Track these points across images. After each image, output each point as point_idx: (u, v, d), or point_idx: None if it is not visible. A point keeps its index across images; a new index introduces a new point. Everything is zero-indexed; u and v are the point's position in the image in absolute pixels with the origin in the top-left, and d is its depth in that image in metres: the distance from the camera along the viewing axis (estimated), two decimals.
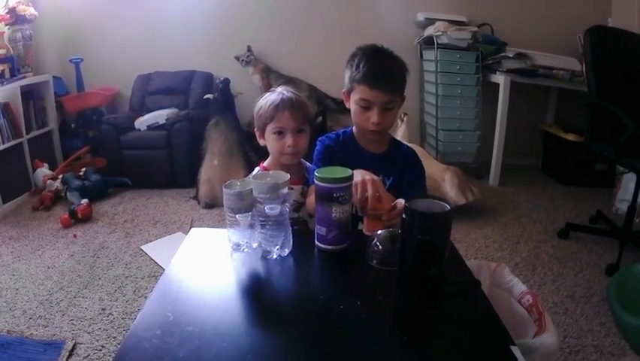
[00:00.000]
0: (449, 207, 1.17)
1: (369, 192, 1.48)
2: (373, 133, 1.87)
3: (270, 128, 1.83)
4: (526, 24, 5.02)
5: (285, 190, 1.33)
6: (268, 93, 1.89)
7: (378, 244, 1.35)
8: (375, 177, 1.55)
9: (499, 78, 4.51)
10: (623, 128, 3.01)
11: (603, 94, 3.27)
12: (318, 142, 1.98)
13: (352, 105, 1.88)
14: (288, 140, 1.81)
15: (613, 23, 4.72)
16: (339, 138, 2.00)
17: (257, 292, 1.30)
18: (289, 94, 1.86)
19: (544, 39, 4.91)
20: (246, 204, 1.33)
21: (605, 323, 2.63)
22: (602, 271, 3.14)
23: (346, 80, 1.90)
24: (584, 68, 3.98)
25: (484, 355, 1.02)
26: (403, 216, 1.19)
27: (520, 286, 1.57)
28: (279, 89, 1.90)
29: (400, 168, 1.96)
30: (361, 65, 1.81)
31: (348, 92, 1.90)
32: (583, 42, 3.47)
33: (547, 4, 5.02)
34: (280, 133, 1.82)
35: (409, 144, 2.29)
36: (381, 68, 1.80)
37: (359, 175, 1.53)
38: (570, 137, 4.59)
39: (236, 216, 1.34)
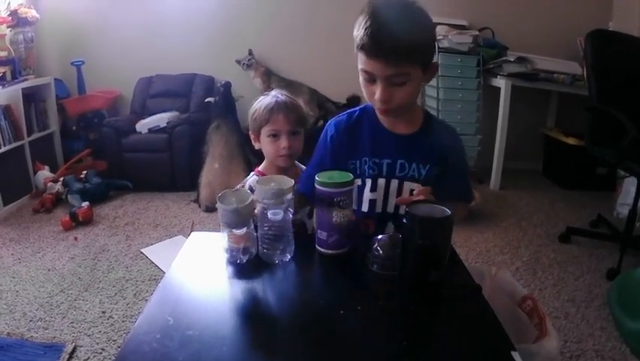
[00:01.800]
0: (450, 212, 1.17)
1: None
2: (384, 112, 1.56)
3: (265, 131, 1.82)
4: (527, 28, 5.02)
5: (290, 196, 1.32)
6: (263, 97, 1.88)
7: (378, 248, 1.33)
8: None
9: (500, 82, 4.51)
10: (624, 132, 3.01)
11: (604, 98, 3.28)
12: (325, 132, 1.73)
13: (359, 74, 1.54)
14: (283, 142, 1.80)
15: (614, 27, 4.73)
16: (354, 121, 1.70)
17: (257, 296, 1.29)
18: (283, 97, 1.85)
19: (545, 43, 4.90)
20: (243, 219, 1.32)
21: (606, 327, 2.63)
22: (602, 276, 3.14)
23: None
24: (584, 72, 3.98)
25: (484, 360, 1.01)
26: (404, 220, 1.19)
27: (520, 291, 1.56)
28: (274, 92, 1.88)
29: (438, 154, 1.61)
30: (362, 24, 1.42)
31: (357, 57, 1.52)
32: (584, 46, 3.47)
33: (548, 8, 5.02)
34: (275, 136, 1.81)
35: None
36: (385, 32, 1.37)
37: None
38: (571, 141, 4.58)
39: (233, 230, 1.33)
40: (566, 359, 2.37)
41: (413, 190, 1.58)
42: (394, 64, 1.40)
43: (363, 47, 1.42)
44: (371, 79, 1.47)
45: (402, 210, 1.52)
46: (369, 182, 1.64)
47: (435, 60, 1.56)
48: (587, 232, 3.74)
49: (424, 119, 1.67)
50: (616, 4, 4.90)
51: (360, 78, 1.53)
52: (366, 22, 1.40)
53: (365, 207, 1.66)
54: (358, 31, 1.43)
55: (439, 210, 1.18)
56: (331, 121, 1.74)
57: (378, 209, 1.66)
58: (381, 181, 1.63)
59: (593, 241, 3.60)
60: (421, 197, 1.32)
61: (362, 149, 1.65)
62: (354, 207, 1.59)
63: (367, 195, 1.65)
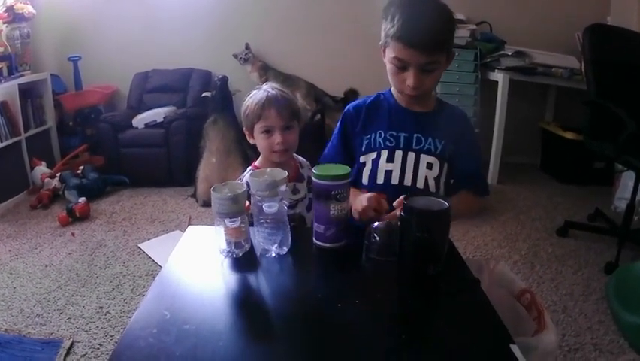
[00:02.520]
0: (447, 205, 1.16)
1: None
2: (410, 96, 1.67)
3: (258, 127, 1.80)
4: (525, 22, 5.01)
5: (284, 187, 1.32)
6: (254, 91, 1.85)
7: (375, 235, 1.34)
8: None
9: (498, 76, 4.51)
10: (622, 127, 3.01)
11: (602, 92, 3.28)
12: (343, 115, 1.86)
13: (387, 63, 1.66)
14: (277, 137, 1.77)
15: (612, 21, 4.72)
16: (372, 100, 1.83)
17: (254, 290, 1.29)
18: (274, 91, 1.81)
19: (543, 37, 4.90)
20: (236, 209, 1.31)
21: (604, 321, 2.63)
22: (600, 269, 3.14)
23: (381, 33, 1.64)
24: (582, 66, 3.97)
25: (483, 354, 1.01)
26: (402, 213, 1.18)
27: (519, 284, 1.56)
28: (265, 86, 1.85)
29: (452, 133, 1.73)
30: (396, 18, 1.54)
31: (384, 48, 1.66)
32: (582, 40, 3.46)
33: (545, 1, 5.01)
34: (268, 131, 1.79)
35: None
36: (419, 22, 1.53)
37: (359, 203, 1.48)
38: (569, 135, 4.58)
39: (225, 221, 1.32)
40: (564, 353, 2.37)
41: (431, 164, 1.70)
42: (429, 52, 1.54)
43: (400, 37, 1.53)
44: (402, 67, 1.59)
45: (420, 184, 1.69)
46: (385, 153, 1.73)
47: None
48: (585, 226, 3.74)
49: (436, 102, 1.82)
50: None
51: (389, 66, 1.64)
52: (402, 15, 1.53)
53: (380, 179, 1.72)
54: (392, 23, 1.55)
55: (436, 203, 1.17)
56: (348, 105, 1.87)
57: (395, 181, 1.71)
58: (399, 153, 1.72)
59: (591, 235, 3.60)
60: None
61: (379, 123, 1.75)
62: (365, 182, 1.73)
63: (383, 165, 1.72)
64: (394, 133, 1.72)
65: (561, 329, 2.54)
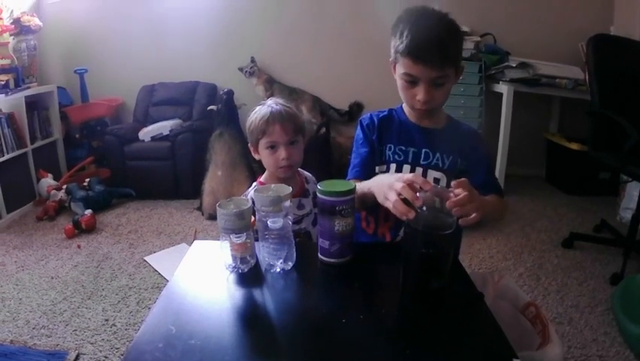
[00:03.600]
0: (454, 218, 1.16)
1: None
2: (421, 111, 1.67)
3: (263, 142, 1.80)
4: (529, 33, 5.01)
5: (288, 203, 1.32)
6: (259, 107, 1.85)
7: (423, 207, 1.23)
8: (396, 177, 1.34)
9: (503, 88, 4.50)
10: (626, 137, 3.01)
11: (606, 102, 3.28)
12: (359, 124, 1.85)
13: (397, 79, 1.65)
14: (282, 153, 1.77)
15: (615, 32, 4.73)
16: (385, 114, 1.82)
17: (260, 305, 1.29)
18: (279, 106, 1.81)
19: (547, 48, 4.90)
20: (242, 224, 1.31)
21: (610, 332, 2.62)
22: (606, 281, 3.13)
23: (391, 49, 1.65)
24: (586, 77, 3.97)
25: None
26: (406, 227, 1.19)
27: (523, 297, 1.56)
28: (269, 101, 1.85)
29: (461, 149, 1.73)
30: (405, 34, 1.54)
31: (394, 64, 1.66)
32: (585, 51, 3.47)
33: (549, 13, 5.01)
34: (273, 147, 1.79)
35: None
36: (428, 38, 1.52)
37: (381, 195, 1.35)
38: (574, 146, 4.58)
39: (231, 236, 1.33)
40: None
41: (438, 179, 1.70)
42: (439, 67, 1.54)
43: (409, 53, 1.54)
44: (413, 82, 1.59)
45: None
46: (393, 167, 1.73)
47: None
48: (591, 237, 3.72)
49: (447, 119, 1.82)
50: (617, 9, 4.91)
51: (400, 82, 1.64)
52: (410, 31, 1.54)
53: None
54: (401, 40, 1.56)
55: (444, 217, 1.17)
56: (363, 116, 1.86)
57: None
58: (407, 167, 1.72)
59: (596, 246, 3.59)
60: (461, 190, 1.25)
61: (389, 137, 1.76)
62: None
63: None
64: (403, 148, 1.73)
65: (567, 341, 2.53)
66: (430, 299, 1.19)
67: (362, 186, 1.54)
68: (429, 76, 1.55)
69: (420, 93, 1.58)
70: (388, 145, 1.75)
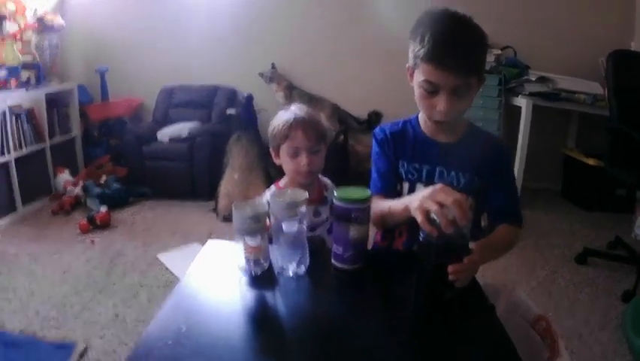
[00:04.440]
0: (468, 230, 1.16)
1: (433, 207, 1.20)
2: (439, 123, 1.57)
3: (285, 148, 1.77)
4: (549, 47, 4.99)
5: (304, 208, 1.33)
6: (282, 112, 1.82)
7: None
8: (439, 187, 1.26)
9: (522, 102, 4.48)
10: None
11: (625, 118, 3.26)
12: (373, 138, 1.76)
13: (415, 87, 1.53)
14: (303, 159, 1.74)
15: (636, 47, 4.71)
16: (399, 127, 1.73)
17: (271, 308, 1.30)
18: (302, 113, 1.78)
19: (567, 63, 4.88)
20: (257, 227, 1.31)
21: (619, 350, 2.61)
22: (618, 298, 3.11)
23: (409, 54, 1.52)
24: (606, 93, 3.95)
25: None
26: (420, 237, 1.19)
27: (534, 311, 1.55)
28: (293, 107, 1.83)
29: (478, 163, 1.61)
30: (427, 38, 1.42)
31: (412, 70, 1.54)
32: (605, 66, 3.45)
33: (569, 27, 4.99)
34: (295, 153, 1.76)
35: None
36: (452, 44, 1.40)
37: (415, 200, 1.26)
38: (591, 161, 4.55)
39: (245, 238, 1.33)
40: None
41: None
42: (463, 75, 1.42)
43: (431, 59, 1.42)
44: (433, 90, 1.47)
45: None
46: (406, 185, 1.67)
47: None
48: (604, 254, 3.69)
49: (466, 129, 1.69)
50: (638, 25, 4.87)
51: (418, 91, 1.51)
52: (433, 35, 1.41)
53: None
54: (422, 44, 1.43)
55: (457, 230, 1.16)
56: (376, 129, 1.78)
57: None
58: (420, 186, 1.64)
59: (609, 263, 3.56)
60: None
61: (402, 153, 1.69)
62: None
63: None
64: (417, 165, 1.66)
65: (576, 357, 2.52)
66: (442, 310, 1.19)
67: (393, 203, 1.49)
68: (451, 84, 1.43)
69: (440, 103, 1.46)
70: (402, 162, 1.69)
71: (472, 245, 1.25)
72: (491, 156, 1.65)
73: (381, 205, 1.54)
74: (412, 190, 1.64)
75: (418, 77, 1.49)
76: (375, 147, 1.76)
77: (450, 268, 1.16)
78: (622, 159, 3.33)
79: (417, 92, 1.53)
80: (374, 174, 1.74)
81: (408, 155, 1.68)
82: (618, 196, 4.60)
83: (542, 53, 4.96)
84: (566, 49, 4.96)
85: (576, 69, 4.77)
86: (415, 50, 1.47)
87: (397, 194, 1.66)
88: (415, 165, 1.67)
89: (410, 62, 1.53)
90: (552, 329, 1.46)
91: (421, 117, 1.70)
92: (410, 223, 1.58)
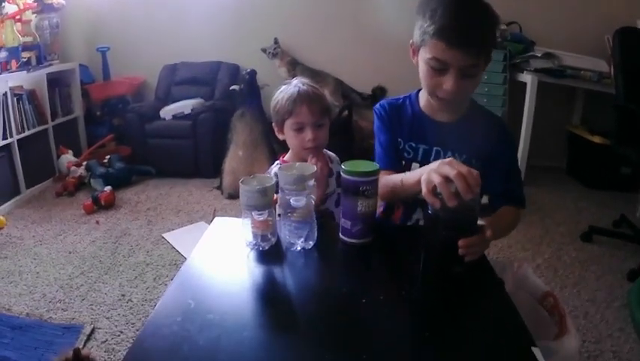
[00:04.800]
0: (475, 202, 1.15)
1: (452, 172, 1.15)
2: (443, 102, 1.51)
3: (289, 123, 1.76)
4: (555, 23, 4.95)
5: (311, 182, 1.32)
6: (284, 86, 1.80)
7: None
8: (452, 159, 1.22)
9: (527, 78, 4.46)
10: None
11: (631, 97, 3.25)
12: (374, 113, 1.74)
13: (421, 63, 1.48)
14: (308, 134, 1.73)
15: None
16: (399, 103, 1.70)
17: (279, 283, 1.29)
18: (305, 87, 1.77)
19: (573, 39, 4.84)
20: (264, 201, 1.31)
21: (625, 328, 2.60)
22: (623, 276, 3.10)
23: (416, 30, 1.46)
24: (612, 70, 3.92)
25: (505, 355, 1.00)
26: (428, 211, 1.18)
27: (542, 287, 1.55)
28: (295, 81, 1.80)
29: (478, 144, 1.56)
30: (438, 14, 1.37)
31: (418, 47, 1.48)
32: (612, 43, 3.43)
33: (576, 3, 4.94)
34: (299, 128, 1.74)
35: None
36: (466, 21, 1.36)
37: (431, 166, 1.23)
38: (596, 139, 4.53)
39: (253, 213, 1.32)
40: (583, 359, 2.35)
41: None
42: (475, 55, 1.39)
43: (442, 36, 1.36)
44: (441, 69, 1.42)
45: None
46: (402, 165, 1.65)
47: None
48: (610, 232, 3.68)
49: (467, 109, 1.64)
50: None
51: (425, 68, 1.47)
52: (445, 11, 1.37)
53: None
54: (432, 20, 1.38)
55: (464, 202, 1.15)
56: (376, 104, 1.76)
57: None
58: (415, 166, 1.61)
59: (615, 241, 3.56)
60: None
61: (400, 131, 1.66)
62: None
63: None
64: (413, 145, 1.64)
65: (581, 335, 2.51)
66: (450, 284, 1.19)
67: (405, 176, 1.46)
68: (461, 64, 1.38)
69: (448, 82, 1.41)
70: (399, 139, 1.66)
71: (481, 221, 1.24)
72: (492, 137, 1.60)
73: (393, 179, 1.52)
74: (407, 170, 1.60)
75: (425, 54, 1.44)
76: (376, 122, 1.74)
77: (460, 242, 1.16)
78: (628, 137, 3.31)
79: (423, 68, 1.48)
80: (378, 149, 1.71)
81: (405, 133, 1.66)
82: (624, 175, 4.58)
83: (548, 29, 4.92)
84: (572, 25, 4.92)
85: (582, 46, 4.74)
86: (423, 25, 1.42)
87: (404, 168, 1.63)
88: (411, 143, 1.65)
89: (416, 38, 1.47)
90: (560, 306, 1.46)
91: (422, 95, 1.66)
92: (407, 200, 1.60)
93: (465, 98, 1.55)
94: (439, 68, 1.42)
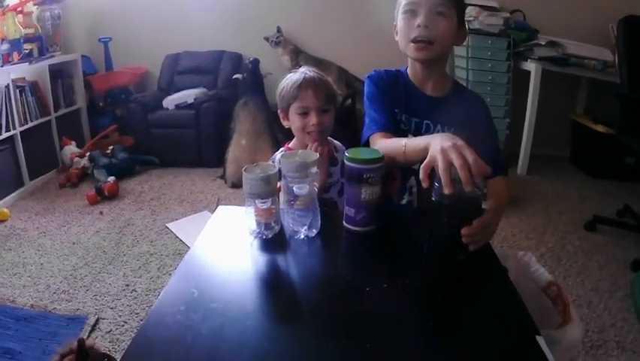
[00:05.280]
0: (480, 192, 1.15)
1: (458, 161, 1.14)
2: (420, 48, 1.58)
3: (294, 108, 1.77)
4: (559, 11, 4.93)
5: (314, 169, 1.31)
6: (290, 73, 1.83)
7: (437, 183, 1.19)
8: (462, 143, 1.21)
9: (531, 66, 4.45)
10: None
11: (635, 85, 3.24)
12: (366, 79, 1.78)
13: (399, 22, 1.62)
14: (312, 119, 1.74)
15: None
16: (393, 73, 1.76)
17: (282, 271, 1.29)
18: (312, 73, 1.79)
19: (577, 27, 4.82)
20: (267, 190, 1.30)
21: (628, 318, 2.60)
22: (627, 266, 3.10)
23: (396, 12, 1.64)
24: (616, 59, 3.91)
25: (508, 343, 1.00)
26: (432, 198, 1.18)
27: (546, 276, 1.55)
28: (302, 68, 1.83)
29: (463, 119, 1.64)
30: None
31: (396, 20, 1.65)
32: (616, 32, 3.42)
33: None
34: (304, 113, 1.76)
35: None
36: None
37: (438, 143, 1.22)
38: (600, 128, 4.52)
39: (256, 202, 1.32)
40: (586, 349, 2.35)
41: None
42: None
43: None
44: (413, 11, 1.55)
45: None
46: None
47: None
48: (613, 222, 3.67)
49: (452, 86, 1.74)
50: None
51: (400, 18, 1.60)
52: None
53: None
54: None
55: (467, 191, 1.14)
56: (371, 72, 1.79)
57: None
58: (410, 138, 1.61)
59: (618, 231, 3.55)
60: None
61: (397, 102, 1.69)
62: None
63: None
64: (408, 117, 1.68)
65: (584, 324, 2.51)
66: (454, 271, 1.19)
67: (409, 141, 1.44)
68: (430, 3, 1.53)
69: (419, 18, 1.54)
70: (396, 110, 1.69)
71: (485, 205, 1.24)
72: (476, 111, 1.72)
73: (393, 144, 1.51)
74: None
75: (401, 9, 1.60)
76: (371, 88, 1.75)
77: (463, 231, 1.16)
78: (633, 126, 3.30)
79: (400, 24, 1.62)
80: (372, 114, 1.70)
81: (401, 105, 1.69)
82: (628, 164, 4.56)
83: (552, 17, 4.90)
84: (576, 14, 4.91)
85: (586, 35, 4.72)
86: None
87: (402, 133, 1.65)
88: (406, 115, 1.69)
89: (395, 14, 1.64)
90: (563, 295, 1.46)
91: (410, 68, 1.73)
92: (404, 168, 1.62)
93: (440, 44, 1.58)
94: (411, 12, 1.56)
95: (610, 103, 3.62)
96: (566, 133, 5.21)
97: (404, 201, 1.74)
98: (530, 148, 4.59)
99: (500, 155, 1.79)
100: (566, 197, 4.25)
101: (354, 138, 1.84)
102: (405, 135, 1.64)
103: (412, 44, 1.59)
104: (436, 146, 1.21)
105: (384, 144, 1.53)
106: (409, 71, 1.74)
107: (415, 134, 1.65)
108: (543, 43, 4.47)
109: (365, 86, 1.77)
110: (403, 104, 1.69)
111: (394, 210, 1.74)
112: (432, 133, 1.63)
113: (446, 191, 1.12)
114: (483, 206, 1.23)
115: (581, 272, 3.04)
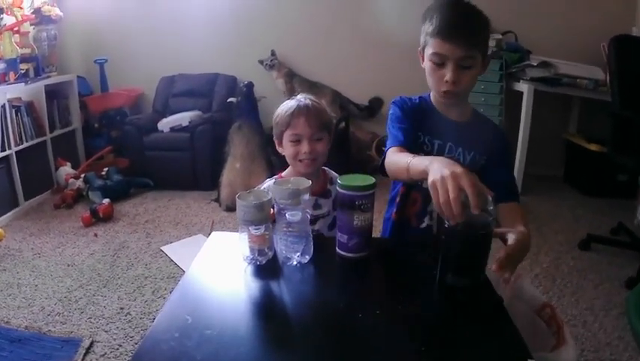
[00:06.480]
0: (490, 217, 1.16)
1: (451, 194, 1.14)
2: (447, 95, 1.64)
3: (287, 135, 1.78)
4: (550, 32, 4.97)
5: (306, 196, 1.32)
6: (287, 100, 1.84)
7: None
8: (460, 170, 1.18)
9: (523, 87, 4.48)
10: None
11: (627, 104, 3.26)
12: (391, 105, 1.79)
13: (426, 63, 1.66)
14: (304, 147, 1.74)
15: (637, 32, 4.69)
16: (416, 101, 1.80)
17: (276, 298, 1.30)
18: (306, 101, 1.80)
19: (568, 47, 4.86)
20: (261, 216, 1.31)
21: (624, 337, 2.60)
22: (622, 284, 3.11)
23: (421, 36, 1.67)
24: (607, 78, 3.94)
25: None
26: (445, 225, 1.19)
27: (540, 298, 1.55)
28: (299, 96, 1.84)
29: (484, 145, 1.72)
30: (435, 17, 1.59)
31: (422, 49, 1.67)
32: (607, 51, 3.44)
33: (571, 12, 4.97)
34: (297, 140, 1.76)
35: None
36: (457, 19, 1.59)
37: (436, 171, 1.21)
38: (593, 147, 4.54)
39: (249, 228, 1.33)
40: None
41: None
42: (467, 46, 1.55)
43: (439, 32, 1.56)
44: (441, 62, 1.59)
45: None
46: None
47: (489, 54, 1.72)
48: (607, 240, 3.69)
49: (472, 113, 1.80)
50: (639, 10, 4.86)
51: (428, 65, 1.64)
52: (440, 14, 1.58)
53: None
54: (431, 22, 1.59)
55: (478, 216, 1.15)
56: (396, 98, 1.82)
57: (425, 185, 1.49)
58: None
59: (613, 249, 3.56)
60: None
61: (421, 125, 1.72)
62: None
63: None
64: (430, 139, 1.71)
65: (580, 343, 2.52)
66: (461, 296, 1.21)
67: (413, 162, 1.42)
68: (457, 55, 1.55)
69: (448, 73, 1.58)
70: (419, 133, 1.71)
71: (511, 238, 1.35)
72: (495, 138, 1.78)
73: (401, 160, 1.50)
74: None
75: (428, 51, 1.62)
76: (395, 111, 1.76)
77: (494, 267, 1.23)
78: (624, 144, 3.32)
79: (427, 67, 1.65)
80: (393, 131, 1.71)
81: (425, 127, 1.73)
82: (620, 182, 4.59)
83: (543, 38, 4.94)
84: (567, 34, 4.95)
85: (577, 54, 4.76)
86: (425, 29, 1.63)
87: (424, 154, 1.67)
88: (429, 137, 1.72)
89: (421, 42, 1.67)
90: (557, 317, 1.46)
91: (432, 96, 1.77)
92: (427, 191, 1.61)
93: (465, 89, 1.66)
94: (439, 62, 1.60)
95: (602, 121, 3.64)
96: (559, 152, 5.24)
97: (424, 225, 1.76)
98: (524, 168, 4.60)
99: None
100: (560, 216, 4.26)
101: (347, 160, 1.85)
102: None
103: (440, 93, 1.66)
104: (435, 174, 1.21)
105: (393, 158, 1.56)
106: (432, 98, 1.78)
107: (438, 155, 1.67)
108: (535, 64, 4.51)
109: (390, 110, 1.80)
110: (427, 127, 1.73)
111: (412, 234, 1.79)
112: (453, 155, 1.69)
113: (452, 222, 1.15)
114: (509, 236, 1.32)
115: (576, 291, 3.04)
